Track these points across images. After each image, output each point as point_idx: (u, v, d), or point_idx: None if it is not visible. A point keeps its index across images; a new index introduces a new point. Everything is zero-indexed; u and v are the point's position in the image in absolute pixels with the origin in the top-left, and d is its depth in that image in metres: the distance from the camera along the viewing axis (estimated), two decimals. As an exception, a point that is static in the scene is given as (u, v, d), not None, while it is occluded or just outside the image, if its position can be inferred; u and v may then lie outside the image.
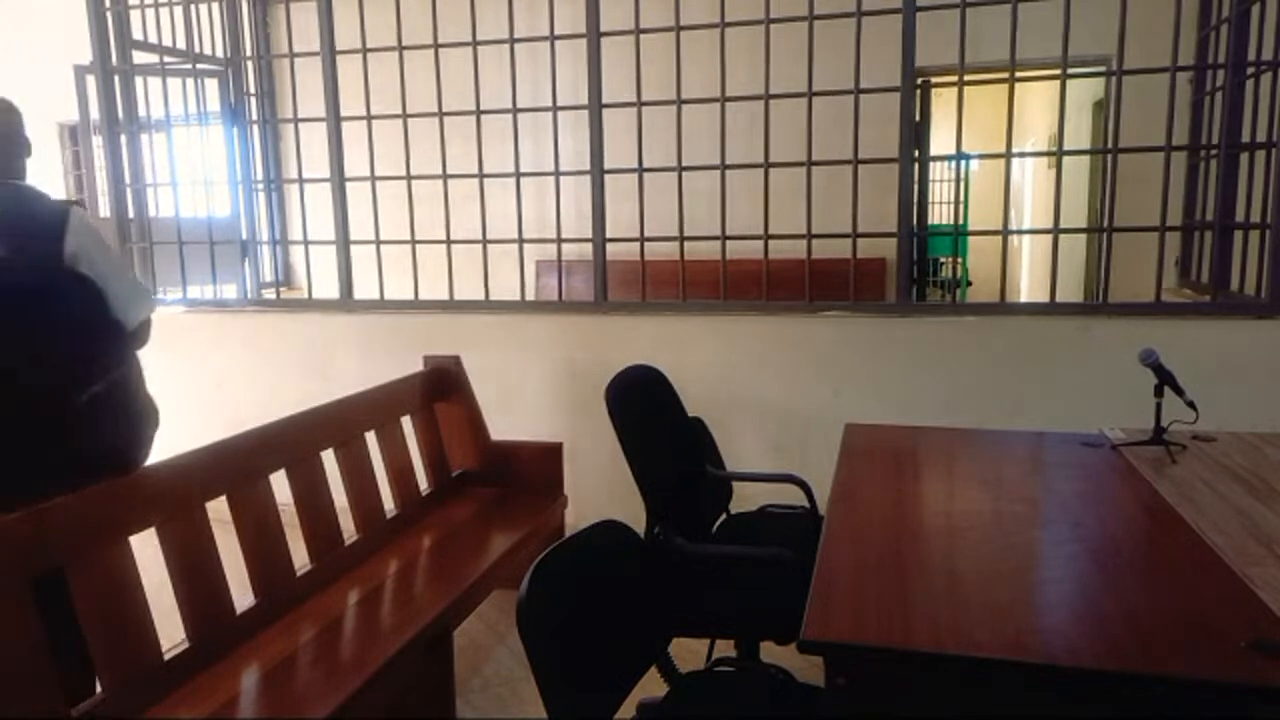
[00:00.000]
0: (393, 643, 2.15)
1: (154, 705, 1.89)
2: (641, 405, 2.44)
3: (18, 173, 2.00)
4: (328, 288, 4.23)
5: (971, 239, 7.75)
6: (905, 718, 1.37)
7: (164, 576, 2.05)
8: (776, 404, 3.53)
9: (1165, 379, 2.20)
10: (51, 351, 1.84)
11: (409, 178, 3.97)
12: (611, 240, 3.76)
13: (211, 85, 4.85)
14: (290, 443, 2.53)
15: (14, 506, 1.68)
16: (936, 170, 8.42)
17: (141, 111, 4.39)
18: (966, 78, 3.36)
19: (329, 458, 2.69)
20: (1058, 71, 3.30)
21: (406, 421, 3.15)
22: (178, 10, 4.43)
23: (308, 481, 2.56)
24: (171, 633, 2.03)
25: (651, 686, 1.67)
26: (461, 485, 3.34)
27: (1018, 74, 3.31)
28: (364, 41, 3.93)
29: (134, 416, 2.05)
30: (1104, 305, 3.41)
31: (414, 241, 4.00)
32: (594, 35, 3.65)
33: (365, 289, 4.13)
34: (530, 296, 4.06)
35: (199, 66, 4.56)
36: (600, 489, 3.31)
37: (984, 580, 1.55)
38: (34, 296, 1.78)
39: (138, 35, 4.36)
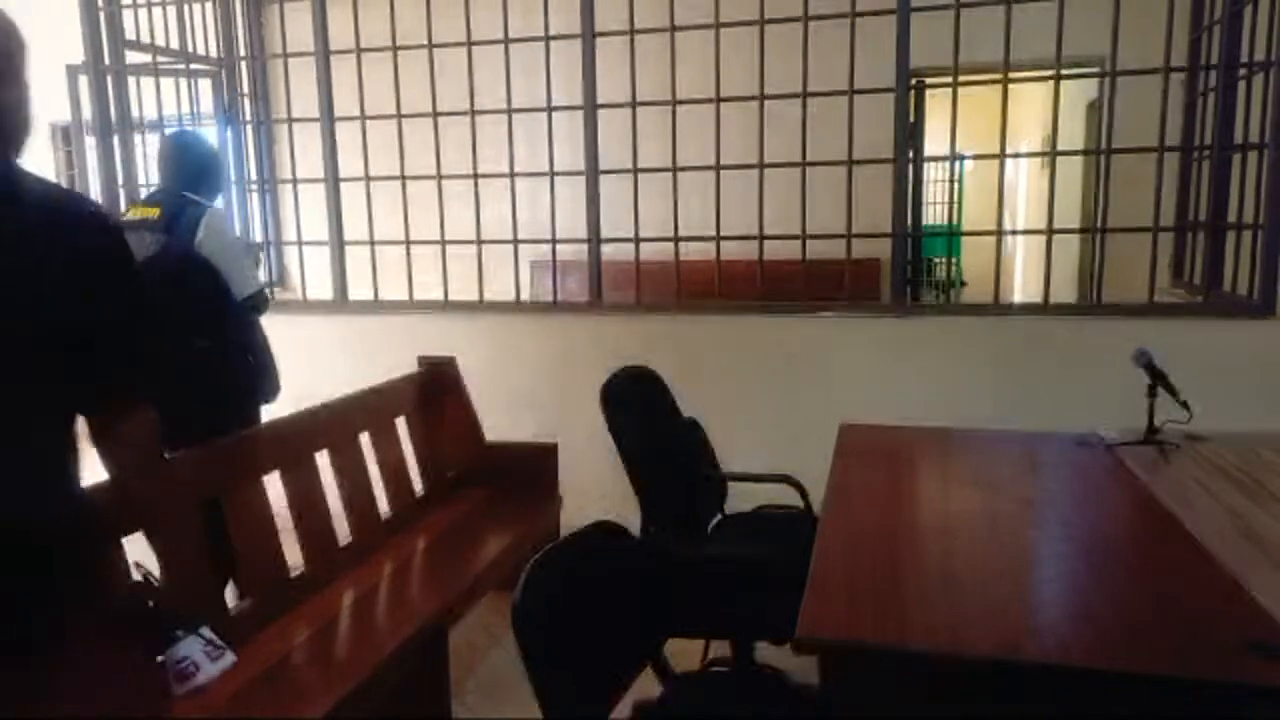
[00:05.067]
0: (387, 644, 2.15)
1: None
2: (637, 406, 2.44)
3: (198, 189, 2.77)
4: (322, 289, 4.22)
5: (966, 239, 7.76)
6: (899, 717, 1.37)
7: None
8: (771, 404, 3.54)
9: (1158, 379, 2.21)
10: (180, 312, 2.53)
11: (403, 178, 3.96)
12: (606, 241, 3.76)
13: (205, 86, 4.83)
14: (284, 444, 2.53)
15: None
16: (931, 171, 8.44)
17: (135, 112, 4.37)
18: (960, 78, 3.37)
19: (323, 459, 2.68)
20: (1051, 72, 3.31)
21: (401, 423, 3.15)
22: (171, 10, 4.41)
23: (302, 483, 2.55)
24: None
25: (647, 687, 1.67)
26: (456, 486, 3.33)
27: (1011, 75, 3.31)
28: (358, 42, 3.92)
29: (245, 369, 2.82)
30: (1097, 305, 3.42)
31: (408, 242, 4.00)
32: (589, 36, 3.65)
33: (359, 290, 4.12)
34: (525, 297, 4.05)
35: (192, 67, 4.55)
36: (595, 490, 3.29)
37: (978, 580, 1.56)
38: (173, 274, 2.57)
39: (131, 35, 4.34)
